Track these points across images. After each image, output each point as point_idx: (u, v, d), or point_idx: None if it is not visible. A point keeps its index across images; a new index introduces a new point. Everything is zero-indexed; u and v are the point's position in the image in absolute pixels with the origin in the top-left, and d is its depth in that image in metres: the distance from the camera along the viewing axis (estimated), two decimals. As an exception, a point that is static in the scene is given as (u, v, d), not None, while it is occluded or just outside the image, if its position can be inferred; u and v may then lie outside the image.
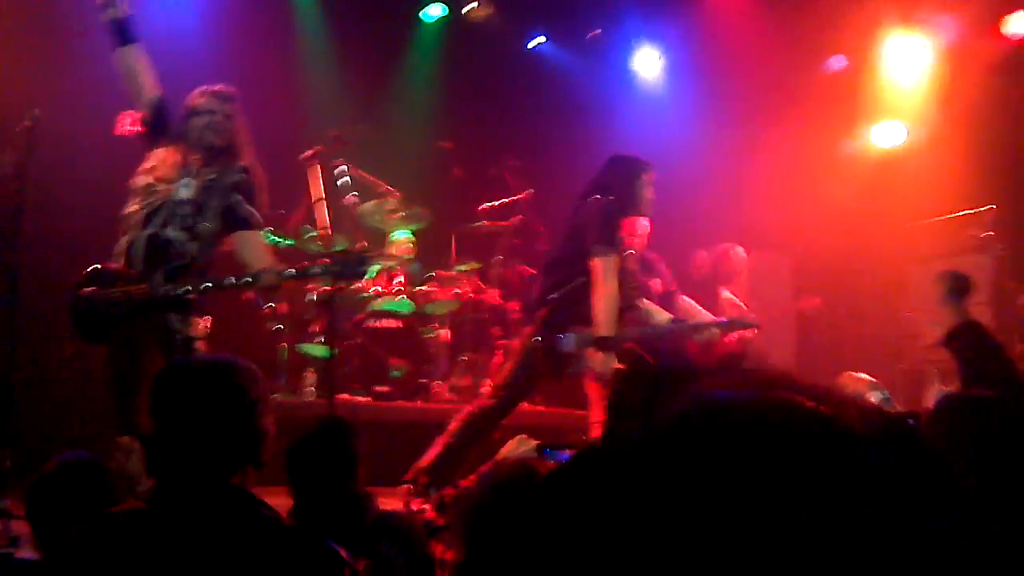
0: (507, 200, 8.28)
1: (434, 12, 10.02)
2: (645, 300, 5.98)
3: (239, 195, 4.90)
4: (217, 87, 5.07)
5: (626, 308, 5.64)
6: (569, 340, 5.52)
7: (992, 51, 8.48)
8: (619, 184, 5.72)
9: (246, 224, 4.92)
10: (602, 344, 5.37)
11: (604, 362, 5.33)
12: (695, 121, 9.65)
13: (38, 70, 7.54)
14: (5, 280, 4.77)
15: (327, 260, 4.95)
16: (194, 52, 7.92)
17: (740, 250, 7.70)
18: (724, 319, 6.22)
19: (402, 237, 8.34)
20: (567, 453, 2.53)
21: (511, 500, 2.25)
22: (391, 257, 8.14)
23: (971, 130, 8.36)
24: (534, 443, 3.30)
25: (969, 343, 3.96)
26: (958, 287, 4.23)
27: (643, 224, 6.86)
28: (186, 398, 2.34)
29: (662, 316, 5.99)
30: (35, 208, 4.98)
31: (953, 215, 8.10)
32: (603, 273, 5.42)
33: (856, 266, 7.90)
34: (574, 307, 5.54)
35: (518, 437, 3.37)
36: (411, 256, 8.35)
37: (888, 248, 8.78)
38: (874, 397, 3.92)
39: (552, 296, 5.62)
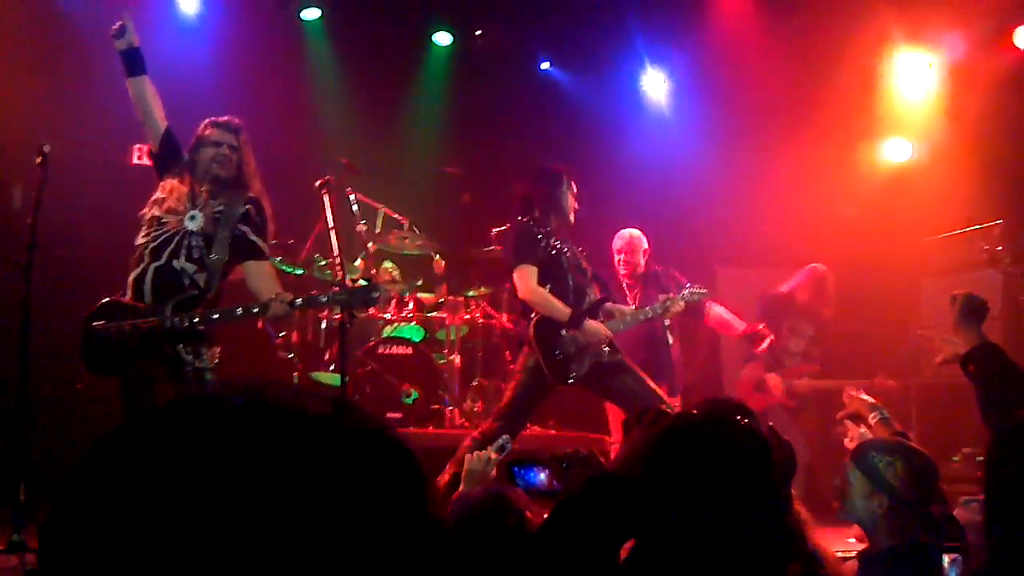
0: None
1: (441, 40, 10.05)
2: (609, 303, 6.20)
3: (247, 226, 4.94)
4: (224, 118, 5.13)
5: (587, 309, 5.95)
6: (562, 346, 5.78)
7: (999, 67, 8.49)
8: (542, 197, 6.08)
9: (254, 254, 4.96)
10: (575, 322, 5.77)
11: (593, 332, 5.80)
12: (704, 140, 9.66)
13: (48, 103, 7.61)
14: (18, 313, 4.80)
15: (336, 289, 4.98)
16: (204, 80, 7.99)
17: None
18: (675, 294, 6.35)
19: (386, 265, 8.32)
20: (536, 471, 2.49)
21: (480, 536, 2.24)
22: (396, 283, 8.13)
23: (979, 145, 8.37)
24: (494, 456, 3.27)
25: (987, 366, 3.93)
26: (974, 308, 4.19)
27: (638, 240, 7.19)
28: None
29: (627, 308, 6.32)
30: (47, 241, 5.01)
31: (962, 230, 8.09)
32: (521, 281, 5.85)
33: (866, 282, 7.89)
34: (549, 323, 5.83)
35: (476, 453, 3.35)
36: (395, 281, 8.31)
37: (898, 263, 8.77)
38: (874, 418, 3.90)
39: (532, 313, 5.87)
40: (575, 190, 6.20)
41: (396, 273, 8.25)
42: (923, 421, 7.42)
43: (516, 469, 2.52)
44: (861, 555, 3.09)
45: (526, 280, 5.83)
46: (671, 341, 7.10)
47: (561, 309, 5.81)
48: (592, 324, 5.85)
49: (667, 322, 6.88)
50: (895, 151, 9.56)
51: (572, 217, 6.18)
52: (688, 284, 6.43)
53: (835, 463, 7.18)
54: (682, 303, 6.27)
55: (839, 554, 3.10)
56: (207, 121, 5.13)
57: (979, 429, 4.19)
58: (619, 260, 7.20)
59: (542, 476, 2.47)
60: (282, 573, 0.78)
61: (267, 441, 0.82)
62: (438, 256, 8.30)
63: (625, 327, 6.15)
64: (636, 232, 7.34)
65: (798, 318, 7.94)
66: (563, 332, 5.79)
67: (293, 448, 0.82)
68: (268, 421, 0.85)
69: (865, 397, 4.05)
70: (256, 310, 4.74)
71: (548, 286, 5.87)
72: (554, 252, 5.94)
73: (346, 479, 0.83)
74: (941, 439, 6.98)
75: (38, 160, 4.94)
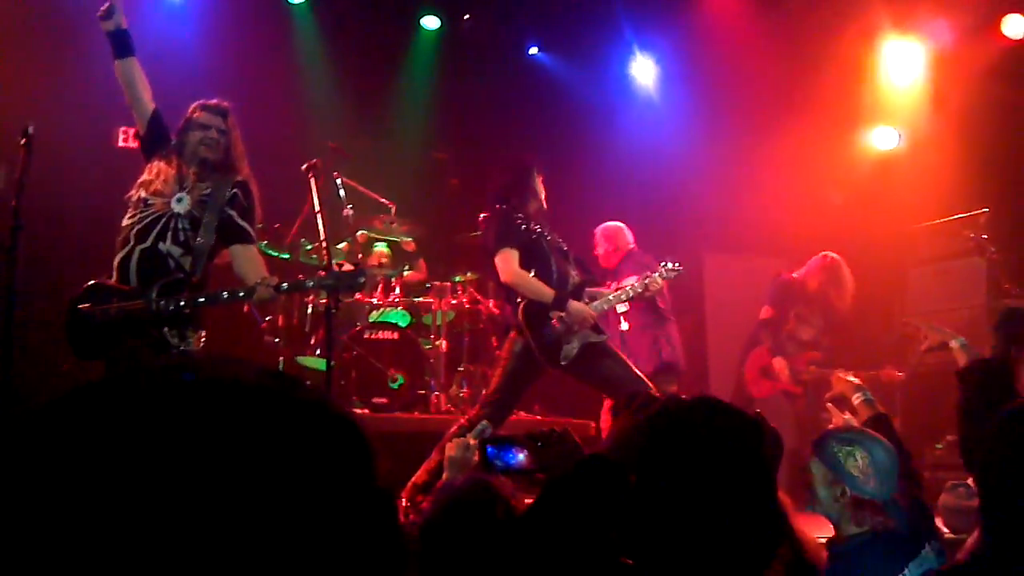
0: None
1: (429, 24, 10.03)
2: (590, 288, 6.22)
3: (233, 209, 4.92)
4: (213, 101, 5.11)
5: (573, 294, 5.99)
6: (552, 328, 5.82)
7: (985, 55, 8.50)
8: (517, 186, 6.15)
9: (241, 238, 4.94)
10: (559, 303, 5.81)
11: (578, 312, 5.82)
12: (692, 126, 9.66)
13: (33, 83, 7.55)
14: (2, 295, 4.77)
15: (322, 273, 4.96)
16: (191, 63, 7.96)
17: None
18: (653, 272, 6.39)
19: (378, 249, 8.32)
20: (514, 452, 2.47)
21: (468, 526, 2.23)
22: (383, 268, 8.13)
23: (965, 133, 8.38)
24: (473, 442, 3.24)
25: (989, 380, 3.96)
26: (1010, 325, 4.26)
27: (601, 234, 7.58)
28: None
29: (607, 291, 6.34)
30: (31, 223, 4.97)
31: (948, 218, 8.12)
32: (503, 264, 5.87)
33: (853, 269, 7.90)
34: (536, 306, 5.86)
35: (456, 440, 3.33)
36: (390, 265, 8.32)
37: (885, 251, 8.79)
38: (857, 399, 3.91)
39: (516, 298, 5.89)
40: (542, 179, 6.29)
41: (387, 259, 8.24)
42: (907, 408, 7.44)
43: (491, 449, 2.49)
44: (828, 544, 3.10)
45: (508, 263, 5.84)
46: (626, 327, 7.23)
47: (545, 291, 5.83)
48: (577, 305, 5.87)
49: (622, 308, 6.94)
50: (882, 139, 9.58)
51: (543, 203, 6.24)
52: (663, 263, 6.44)
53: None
54: (660, 280, 6.30)
55: (821, 540, 3.11)
56: (196, 104, 5.11)
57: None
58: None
59: (520, 456, 2.46)
60: (224, 545, 0.77)
61: (207, 411, 0.82)
62: (410, 239, 8.31)
63: (608, 307, 6.22)
64: (602, 227, 7.72)
65: (807, 306, 7.92)
66: (550, 315, 5.81)
67: (235, 418, 0.82)
68: (212, 393, 0.84)
69: (851, 378, 4.06)
70: (242, 294, 4.72)
71: (532, 271, 5.89)
72: (535, 236, 5.97)
73: (288, 449, 0.83)
74: (925, 426, 7.01)
75: (22, 141, 4.89)
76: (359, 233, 7.99)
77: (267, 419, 0.84)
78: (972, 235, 7.34)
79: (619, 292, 6.27)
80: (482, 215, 6.25)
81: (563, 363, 5.84)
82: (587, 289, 6.09)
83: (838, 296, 7.85)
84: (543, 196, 6.23)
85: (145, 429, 0.80)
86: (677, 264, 6.45)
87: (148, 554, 0.75)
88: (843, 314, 7.88)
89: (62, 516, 0.76)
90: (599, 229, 7.77)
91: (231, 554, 0.76)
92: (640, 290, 6.26)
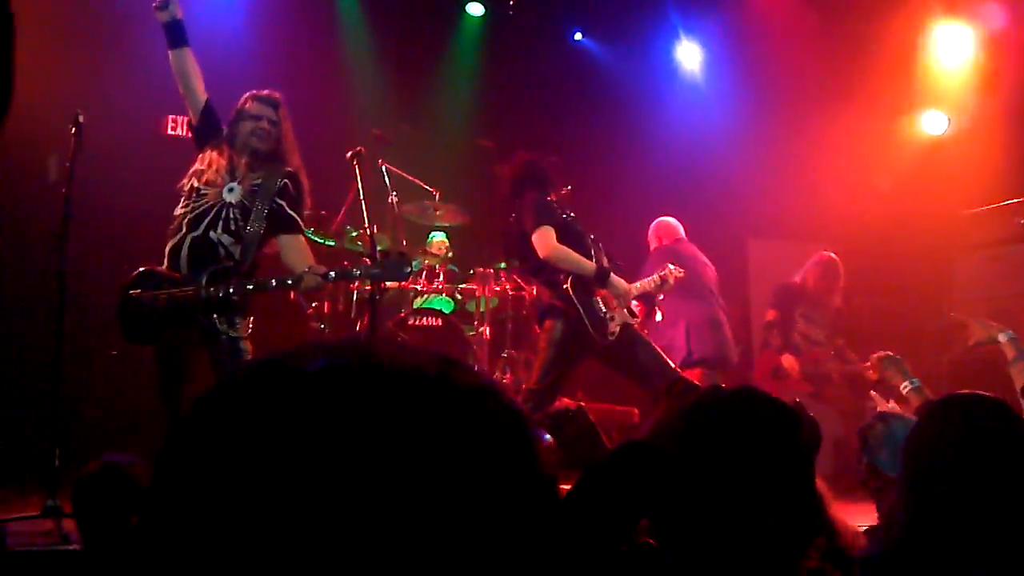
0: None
1: (474, 11, 10.04)
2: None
3: (283, 199, 4.98)
4: (265, 92, 5.17)
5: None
6: (599, 303, 5.84)
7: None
8: (536, 176, 6.14)
9: (289, 228, 5.00)
10: (601, 277, 5.83)
11: (620, 286, 5.89)
12: (738, 112, 9.61)
13: (83, 72, 7.65)
14: (53, 282, 4.85)
15: (368, 262, 5.00)
16: (238, 52, 8.01)
17: None
18: (669, 267, 6.48)
19: (438, 239, 8.36)
20: (540, 433, 2.49)
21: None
22: (430, 256, 8.17)
23: (1016, 117, 8.26)
24: None
25: None
26: None
27: (670, 227, 7.52)
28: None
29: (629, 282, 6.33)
30: (82, 211, 5.05)
31: (998, 204, 8.01)
32: (541, 240, 5.78)
33: (900, 256, 7.83)
34: (581, 282, 5.85)
35: None
36: (448, 256, 8.37)
37: (933, 237, 8.70)
38: (906, 387, 3.90)
39: (559, 276, 5.87)
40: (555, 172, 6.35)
41: (446, 248, 8.29)
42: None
43: None
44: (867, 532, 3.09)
45: (546, 239, 5.79)
46: (660, 317, 7.30)
47: (586, 264, 5.83)
48: (618, 279, 5.91)
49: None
50: (932, 123, 9.47)
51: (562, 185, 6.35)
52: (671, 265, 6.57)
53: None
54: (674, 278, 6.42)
55: (862, 529, 3.10)
56: (248, 94, 5.17)
57: (1011, 404, 4.18)
58: None
59: (547, 437, 2.48)
60: (390, 540, 0.75)
61: (374, 403, 0.80)
62: (438, 239, 8.33)
63: (643, 290, 6.28)
64: (654, 223, 7.79)
65: (811, 306, 7.95)
66: (595, 290, 5.83)
67: (397, 410, 0.80)
68: (374, 381, 0.82)
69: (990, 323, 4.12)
70: (290, 282, 4.78)
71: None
72: (568, 219, 5.99)
73: (456, 441, 0.81)
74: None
75: (72, 130, 4.97)
76: (435, 241, 8.03)
77: (443, 408, 0.83)
78: (1022, 221, 7.24)
79: (644, 283, 6.32)
80: (511, 214, 6.24)
81: (611, 338, 5.84)
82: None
83: (833, 294, 7.91)
84: (560, 186, 6.29)
85: (328, 414, 0.79)
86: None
87: (338, 539, 0.75)
88: (839, 312, 7.92)
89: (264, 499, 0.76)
90: (652, 225, 7.75)
91: (407, 540, 0.76)
92: (660, 282, 6.35)
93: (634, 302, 6.29)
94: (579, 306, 5.76)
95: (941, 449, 2.17)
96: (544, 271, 5.93)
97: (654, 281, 6.31)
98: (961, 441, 2.16)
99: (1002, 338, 4.29)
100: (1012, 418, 2.23)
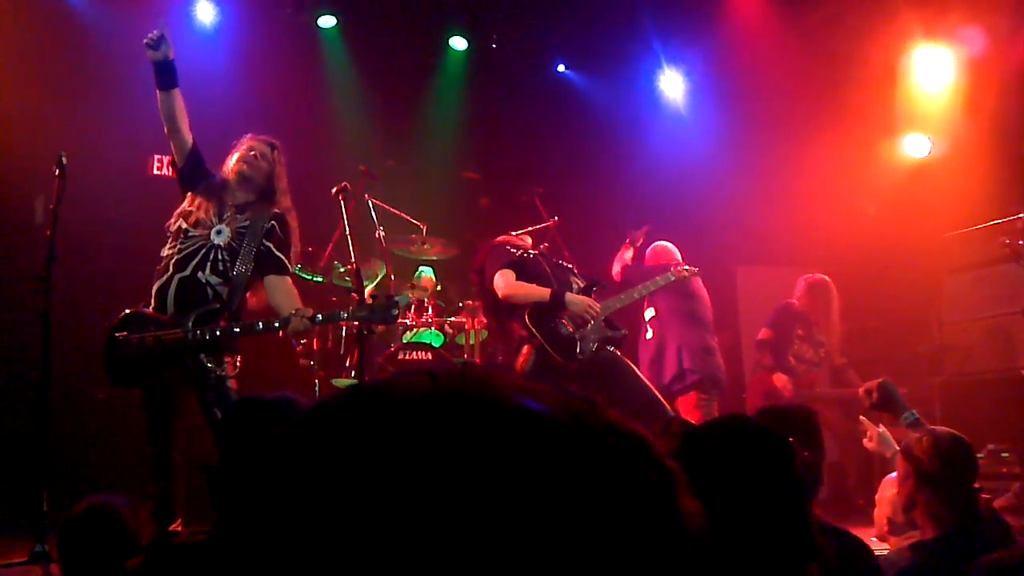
0: (535, 228, 8.28)
1: (457, 44, 10.07)
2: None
3: (270, 242, 4.97)
4: (263, 136, 5.18)
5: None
6: (562, 325, 5.91)
7: (1017, 61, 8.42)
8: (498, 252, 6.27)
9: (277, 270, 4.98)
10: (556, 299, 5.91)
11: (577, 303, 5.92)
12: (722, 140, 9.64)
13: (67, 112, 7.64)
14: (38, 324, 4.83)
15: (356, 304, 4.99)
16: (222, 89, 8.02)
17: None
18: (666, 273, 6.70)
19: (426, 274, 8.34)
20: None
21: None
22: (419, 290, 8.15)
23: (999, 139, 8.31)
24: None
25: None
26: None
27: (671, 250, 7.54)
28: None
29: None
30: (68, 251, 5.03)
31: (983, 224, 8.04)
32: (501, 281, 5.95)
33: (888, 278, 7.83)
34: (540, 310, 5.95)
35: None
36: (436, 290, 8.34)
37: (920, 259, 8.72)
38: (905, 419, 3.87)
39: (525, 318, 5.94)
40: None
41: (434, 283, 8.26)
42: (946, 418, 7.35)
43: None
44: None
45: (505, 279, 5.95)
46: (650, 334, 7.45)
47: (539, 291, 5.93)
48: (574, 296, 5.97)
49: (649, 314, 7.41)
50: (914, 146, 9.51)
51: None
52: (672, 266, 6.80)
53: (864, 461, 7.18)
54: (670, 278, 6.65)
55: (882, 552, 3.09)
56: (248, 135, 5.18)
57: (1004, 425, 4.18)
58: None
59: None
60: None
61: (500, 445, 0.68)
62: (427, 274, 8.31)
63: (621, 305, 6.33)
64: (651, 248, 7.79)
65: (807, 326, 7.99)
66: (559, 316, 5.91)
67: (523, 459, 0.67)
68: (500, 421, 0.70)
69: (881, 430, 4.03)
70: (277, 324, 4.77)
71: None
72: (529, 256, 6.17)
73: (597, 505, 0.67)
74: (965, 435, 6.91)
75: (56, 171, 4.96)
76: (423, 276, 8.04)
77: (583, 464, 0.69)
78: (1008, 241, 7.26)
79: (631, 291, 6.49)
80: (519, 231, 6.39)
81: (581, 357, 5.88)
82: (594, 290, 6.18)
83: (826, 315, 7.98)
84: (546, 218, 6.59)
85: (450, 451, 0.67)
86: (694, 268, 6.78)
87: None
88: (834, 334, 7.96)
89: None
90: (649, 249, 7.75)
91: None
92: (652, 288, 6.61)
93: (649, 312, 6.38)
94: (540, 333, 5.84)
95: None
96: (515, 309, 6.02)
97: (664, 276, 6.55)
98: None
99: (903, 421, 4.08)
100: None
